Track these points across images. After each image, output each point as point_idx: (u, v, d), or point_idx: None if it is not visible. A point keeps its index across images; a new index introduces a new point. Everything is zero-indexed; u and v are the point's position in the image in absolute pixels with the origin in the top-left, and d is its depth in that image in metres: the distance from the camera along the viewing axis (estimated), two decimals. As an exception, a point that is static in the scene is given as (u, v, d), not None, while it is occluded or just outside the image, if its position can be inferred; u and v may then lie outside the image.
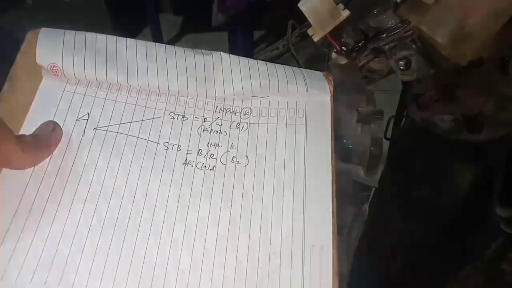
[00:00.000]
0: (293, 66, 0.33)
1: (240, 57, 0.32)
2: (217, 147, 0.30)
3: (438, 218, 0.50)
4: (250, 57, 0.32)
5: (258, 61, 0.32)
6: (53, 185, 0.26)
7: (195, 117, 0.30)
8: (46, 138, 0.27)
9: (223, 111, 0.31)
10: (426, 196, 0.50)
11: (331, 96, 0.31)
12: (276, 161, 0.29)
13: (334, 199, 0.28)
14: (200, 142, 0.30)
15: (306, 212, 0.28)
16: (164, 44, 0.31)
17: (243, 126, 0.30)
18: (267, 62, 0.32)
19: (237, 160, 0.29)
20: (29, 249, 0.24)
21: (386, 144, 0.53)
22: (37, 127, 0.27)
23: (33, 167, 0.26)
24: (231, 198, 0.28)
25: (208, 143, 0.30)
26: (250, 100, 0.31)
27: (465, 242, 0.50)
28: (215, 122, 0.30)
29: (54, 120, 0.28)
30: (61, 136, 0.27)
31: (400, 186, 0.53)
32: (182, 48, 0.32)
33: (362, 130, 0.49)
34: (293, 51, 0.40)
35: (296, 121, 0.31)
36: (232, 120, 0.31)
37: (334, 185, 0.29)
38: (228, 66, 0.31)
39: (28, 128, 0.27)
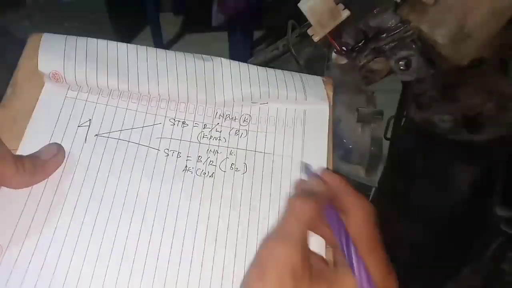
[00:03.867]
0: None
1: (240, 63, 0.32)
2: (216, 154, 0.30)
3: (438, 218, 0.50)
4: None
5: (258, 67, 0.32)
6: (55, 192, 0.26)
7: (195, 123, 0.30)
8: (45, 162, 0.26)
9: (223, 117, 0.31)
10: (426, 196, 0.50)
11: (330, 103, 0.32)
12: (274, 169, 0.30)
13: None
14: (200, 149, 0.30)
15: None
16: (165, 50, 0.32)
17: (242, 133, 0.31)
18: (267, 68, 0.32)
19: (236, 167, 0.30)
20: (32, 256, 0.24)
21: (386, 144, 0.53)
22: (39, 131, 0.27)
23: None
24: (230, 205, 0.28)
25: (208, 149, 0.30)
26: (249, 106, 0.31)
27: (465, 242, 0.50)
28: (215, 128, 0.31)
29: (56, 126, 0.28)
30: (62, 161, 0.27)
31: (400, 186, 0.53)
32: (183, 53, 0.32)
33: (362, 130, 0.49)
34: (293, 51, 0.40)
35: (294, 129, 0.31)
36: (232, 126, 0.31)
37: None
38: (228, 72, 0.31)
39: (30, 134, 0.27)
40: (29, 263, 0.24)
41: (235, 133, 0.31)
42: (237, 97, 0.31)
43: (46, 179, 0.26)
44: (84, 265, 0.25)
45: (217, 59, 0.32)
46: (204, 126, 0.30)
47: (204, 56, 0.32)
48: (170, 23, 1.82)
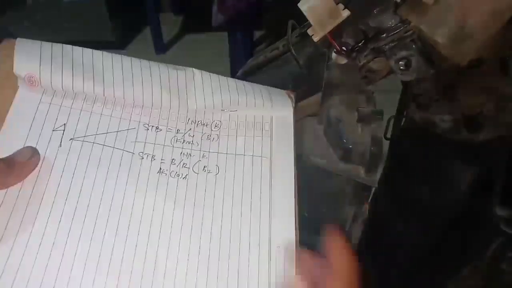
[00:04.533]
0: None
1: (211, 74, 0.34)
2: (189, 157, 0.31)
3: (438, 218, 0.50)
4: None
5: (228, 78, 0.34)
6: (30, 196, 0.26)
7: (169, 128, 0.31)
8: (20, 164, 0.26)
9: (195, 123, 0.32)
10: (426, 196, 0.50)
11: (292, 113, 0.34)
12: (245, 170, 0.31)
13: (297, 204, 0.30)
14: (173, 152, 0.31)
15: (271, 216, 0.30)
16: (139, 59, 0.32)
17: (213, 137, 0.32)
18: (236, 80, 0.34)
19: (208, 169, 0.31)
20: (6, 263, 0.24)
21: (386, 144, 0.53)
22: (13, 135, 0.27)
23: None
24: (203, 205, 0.29)
25: (181, 153, 0.31)
26: (220, 113, 0.33)
27: (465, 242, 0.50)
28: (188, 133, 0.32)
29: (31, 130, 0.28)
30: (37, 164, 0.27)
31: (400, 186, 0.53)
32: (157, 63, 0.33)
33: (362, 130, 0.49)
34: (293, 51, 0.40)
35: (262, 133, 0.33)
36: (204, 131, 0.32)
37: (297, 189, 0.31)
38: (200, 82, 0.33)
39: (4, 139, 0.27)
40: (3, 270, 0.24)
41: (207, 137, 0.32)
42: (208, 104, 0.32)
43: (21, 183, 0.26)
44: (60, 271, 0.25)
45: (189, 69, 0.33)
46: (177, 131, 0.31)
47: (177, 66, 0.33)
48: (170, 23, 1.82)
